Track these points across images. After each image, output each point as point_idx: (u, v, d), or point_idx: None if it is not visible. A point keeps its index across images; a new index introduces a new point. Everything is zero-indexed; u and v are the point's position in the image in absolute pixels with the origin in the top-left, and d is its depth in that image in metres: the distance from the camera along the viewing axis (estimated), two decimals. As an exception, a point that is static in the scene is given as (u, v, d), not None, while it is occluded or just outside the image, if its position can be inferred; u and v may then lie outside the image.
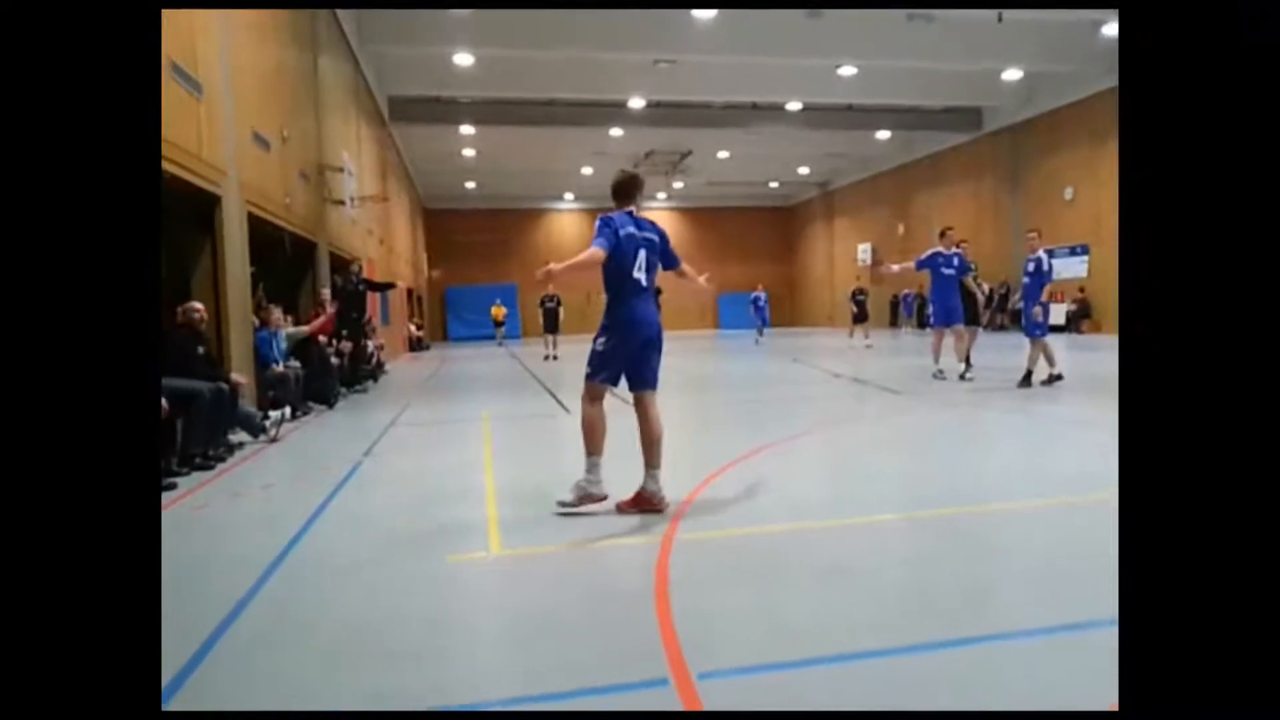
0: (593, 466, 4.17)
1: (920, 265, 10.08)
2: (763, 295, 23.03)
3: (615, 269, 4.14)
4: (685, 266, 4.65)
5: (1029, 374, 8.91)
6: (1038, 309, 8.96)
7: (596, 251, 4.04)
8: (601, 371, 4.19)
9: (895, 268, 10.85)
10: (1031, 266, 9.07)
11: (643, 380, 4.25)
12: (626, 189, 4.30)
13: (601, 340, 4.22)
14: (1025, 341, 9.37)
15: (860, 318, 19.18)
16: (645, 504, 4.11)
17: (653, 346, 4.27)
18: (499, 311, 27.76)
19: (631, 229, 4.16)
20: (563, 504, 4.17)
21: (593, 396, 4.22)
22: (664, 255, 4.36)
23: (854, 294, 19.52)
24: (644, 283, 4.19)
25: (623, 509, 4.13)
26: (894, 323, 29.10)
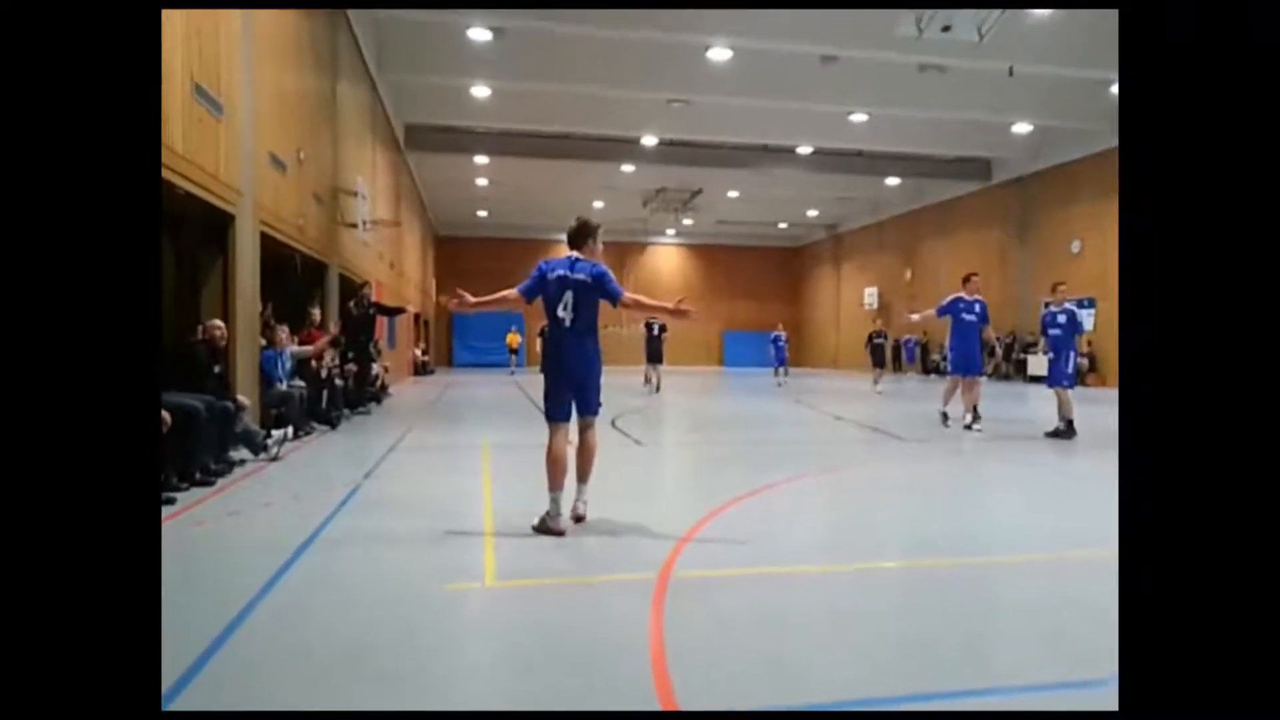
0: (552, 501, 4.42)
1: (941, 312, 9.89)
2: (782, 335, 22.20)
3: (545, 310, 4.60)
4: (633, 297, 4.60)
5: (1070, 422, 8.83)
6: (1072, 357, 9.00)
7: (510, 291, 4.68)
8: (549, 408, 4.63)
9: (915, 316, 10.64)
10: (1064, 318, 9.10)
11: (578, 408, 4.63)
12: (575, 235, 4.71)
13: (543, 378, 4.71)
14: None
15: (878, 360, 18.48)
16: (573, 514, 4.55)
17: (578, 381, 4.58)
18: (514, 339, 27.73)
19: (562, 272, 4.54)
20: (533, 526, 4.43)
21: (551, 434, 4.59)
22: (602, 293, 4.54)
23: (871, 336, 18.91)
24: (567, 322, 4.52)
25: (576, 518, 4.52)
26: (897, 368, 29.09)
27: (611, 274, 4.62)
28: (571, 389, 4.59)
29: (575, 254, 4.63)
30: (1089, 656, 2.78)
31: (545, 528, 4.38)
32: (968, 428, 9.42)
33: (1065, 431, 8.80)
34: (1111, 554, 4.11)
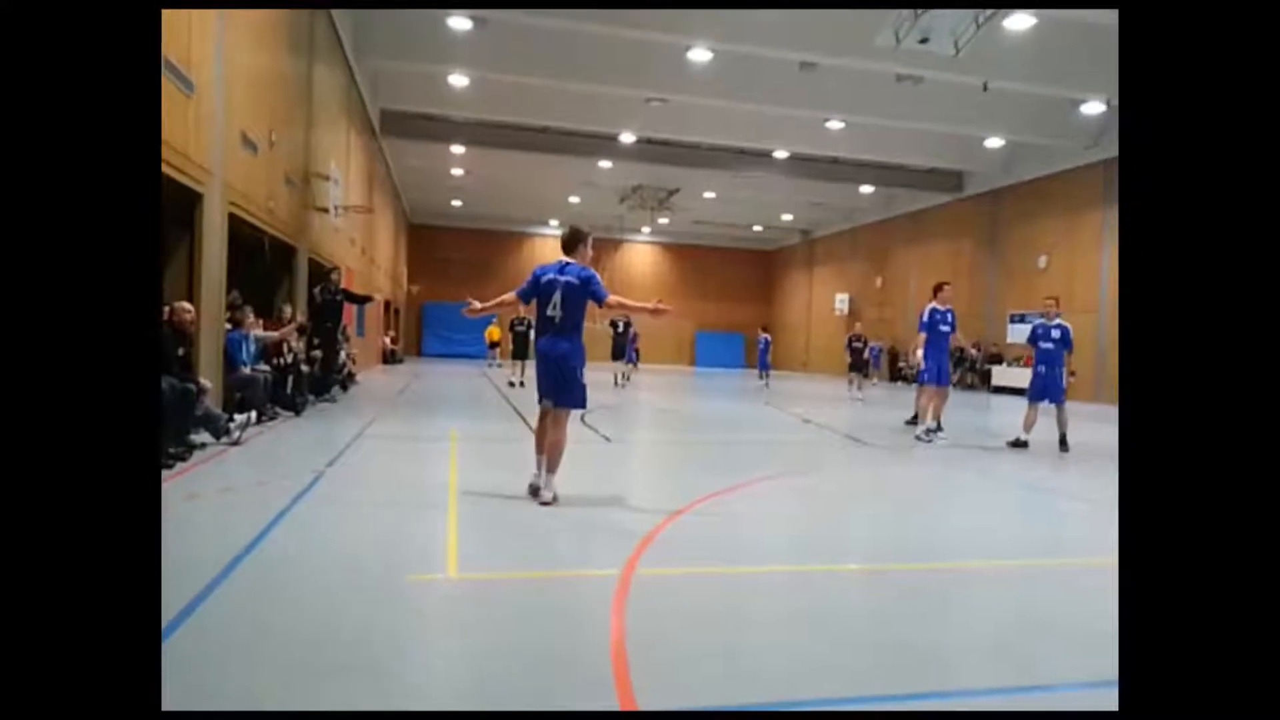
0: (538, 463, 5.08)
1: (925, 328, 9.55)
2: (765, 338, 22.08)
3: (537, 309, 5.12)
4: (616, 299, 5.15)
5: (1064, 437, 8.94)
6: (1065, 374, 9.15)
7: (509, 295, 5.39)
8: (539, 393, 5.20)
9: (919, 351, 9.74)
10: (1057, 333, 9.20)
11: (554, 398, 5.10)
12: (568, 241, 5.22)
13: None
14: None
15: (856, 365, 17.82)
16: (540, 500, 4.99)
17: (553, 373, 5.05)
18: (494, 332, 27.37)
19: (553, 275, 5.06)
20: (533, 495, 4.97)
21: (539, 416, 5.22)
22: (588, 294, 5.03)
23: (850, 340, 18.26)
24: (556, 320, 5.03)
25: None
26: (864, 373, 29.29)
27: (599, 277, 5.10)
28: (551, 380, 5.06)
29: (566, 258, 5.13)
30: (1043, 660, 2.85)
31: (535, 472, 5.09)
32: (932, 431, 9.52)
33: (1061, 445, 8.88)
34: (1071, 562, 4.23)
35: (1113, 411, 16.11)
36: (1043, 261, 21.71)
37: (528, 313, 17.94)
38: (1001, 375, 22.06)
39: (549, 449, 5.01)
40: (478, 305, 5.48)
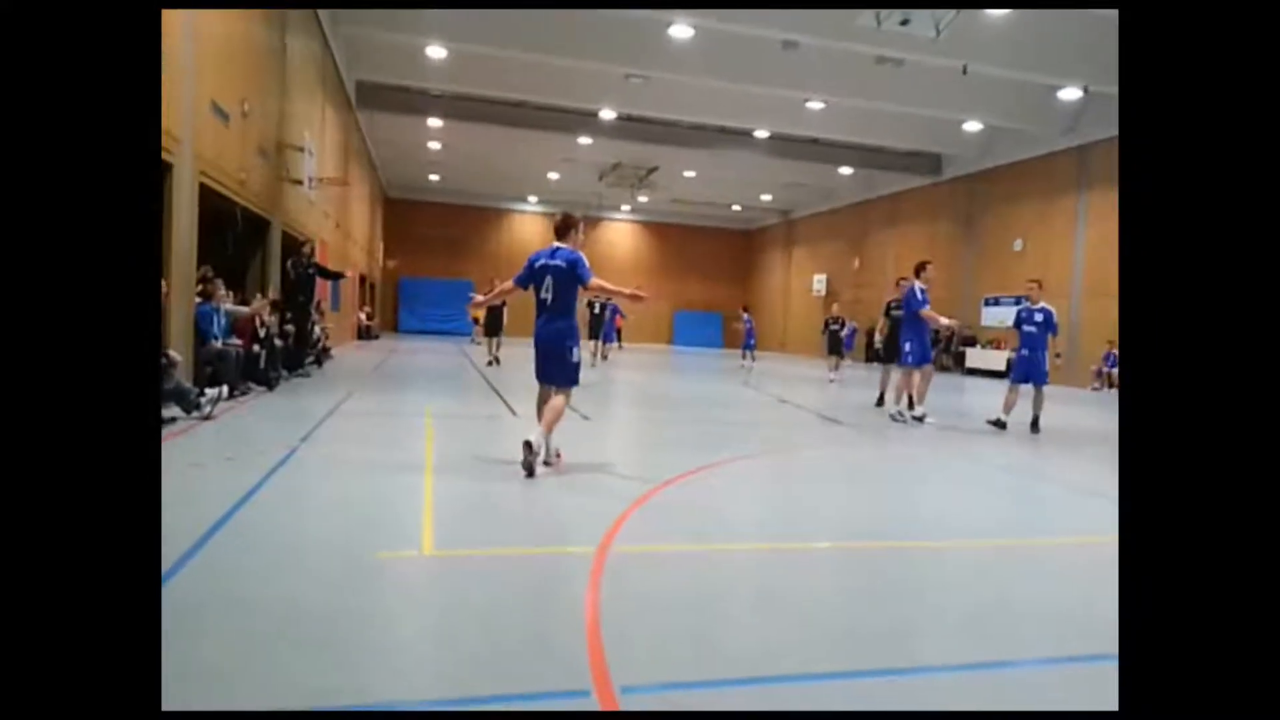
0: (541, 436, 5.22)
1: (921, 305, 9.40)
2: (748, 318, 22.00)
3: (533, 293, 5.36)
4: (598, 282, 5.35)
5: (1036, 419, 9.06)
6: (1050, 356, 9.26)
7: (508, 284, 5.61)
8: (536, 374, 5.47)
9: (943, 319, 9.66)
10: (1040, 317, 9.27)
11: (547, 377, 5.43)
12: (560, 227, 5.48)
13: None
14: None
15: (833, 348, 17.24)
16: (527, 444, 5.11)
17: (547, 353, 5.35)
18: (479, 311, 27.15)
19: (545, 260, 5.30)
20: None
21: (539, 392, 5.51)
22: (574, 277, 5.25)
23: (828, 323, 17.74)
24: (549, 302, 5.30)
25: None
26: (840, 357, 29.43)
27: (585, 261, 5.30)
28: (545, 359, 5.36)
29: (558, 244, 5.37)
30: (1014, 638, 2.90)
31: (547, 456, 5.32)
32: (917, 418, 9.55)
33: (1033, 427, 9.00)
34: (1043, 543, 4.30)
35: (1083, 394, 16.38)
36: (1019, 245, 21.90)
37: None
38: (976, 357, 22.32)
39: (547, 411, 5.26)
40: (480, 298, 5.94)
